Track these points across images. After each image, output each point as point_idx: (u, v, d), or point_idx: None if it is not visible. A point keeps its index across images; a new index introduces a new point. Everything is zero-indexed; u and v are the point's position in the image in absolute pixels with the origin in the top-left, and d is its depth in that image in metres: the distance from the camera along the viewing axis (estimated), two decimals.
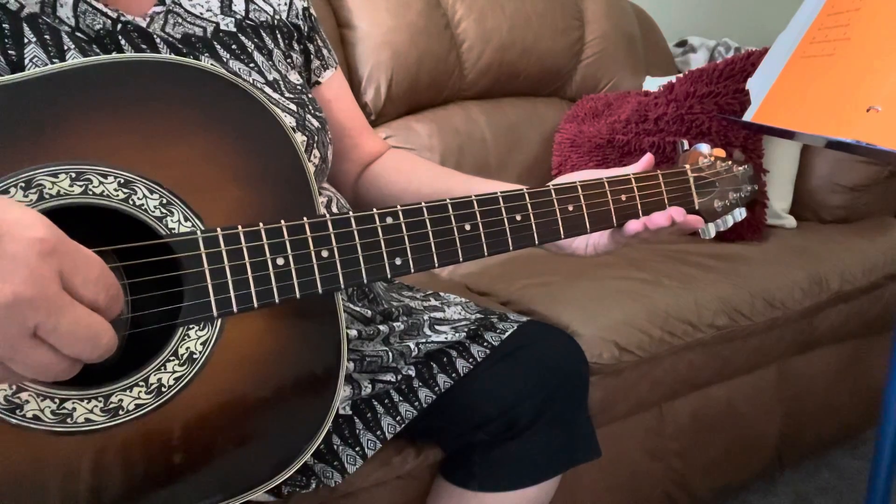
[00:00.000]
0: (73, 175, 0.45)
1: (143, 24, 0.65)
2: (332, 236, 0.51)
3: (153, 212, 0.48)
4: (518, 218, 0.59)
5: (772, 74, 0.88)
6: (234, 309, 0.48)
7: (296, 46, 0.78)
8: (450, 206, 0.56)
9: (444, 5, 1.61)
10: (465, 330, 0.83)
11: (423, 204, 0.55)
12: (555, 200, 0.61)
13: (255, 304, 0.49)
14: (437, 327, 0.84)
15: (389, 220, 0.53)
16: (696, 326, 1.16)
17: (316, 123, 0.72)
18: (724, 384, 1.28)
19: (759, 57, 1.42)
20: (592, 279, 1.21)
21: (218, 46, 0.68)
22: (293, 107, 0.70)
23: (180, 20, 0.67)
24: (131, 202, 0.47)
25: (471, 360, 0.82)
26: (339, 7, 1.54)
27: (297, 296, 0.50)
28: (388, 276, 0.54)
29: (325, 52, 0.83)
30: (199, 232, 0.48)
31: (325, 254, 0.51)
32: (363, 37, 1.52)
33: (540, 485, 0.83)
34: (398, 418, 0.79)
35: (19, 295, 0.36)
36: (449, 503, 0.87)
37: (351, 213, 0.53)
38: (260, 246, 0.49)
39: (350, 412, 0.78)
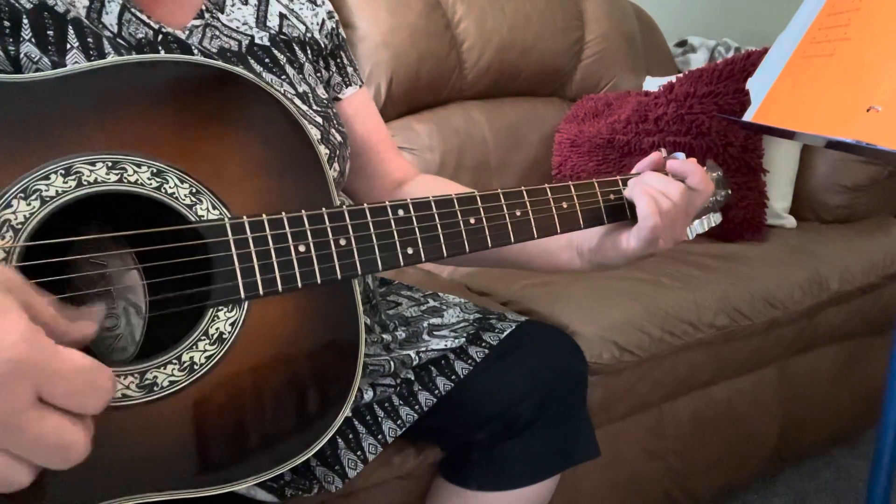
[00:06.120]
0: (110, 164, 0.48)
1: (183, 37, 0.66)
2: (349, 226, 0.55)
3: (183, 200, 0.51)
4: (518, 213, 0.64)
5: (772, 74, 0.88)
6: (261, 292, 0.51)
7: (322, 63, 0.79)
8: (455, 201, 0.61)
9: (444, 5, 1.61)
10: (465, 335, 0.83)
11: (431, 198, 0.59)
12: (550, 199, 0.67)
13: (280, 288, 0.52)
14: (436, 333, 0.84)
15: (401, 212, 0.58)
16: (696, 326, 1.16)
17: (339, 137, 0.74)
18: (724, 384, 1.28)
19: (759, 57, 1.42)
20: (592, 279, 1.21)
21: (251, 60, 0.70)
22: (319, 119, 0.72)
23: (217, 33, 0.69)
24: (163, 191, 0.50)
25: (469, 361, 0.82)
26: (339, 7, 1.54)
27: (318, 281, 0.53)
28: (402, 264, 0.58)
29: (349, 69, 0.84)
30: (226, 219, 0.51)
31: (342, 242, 0.55)
32: (363, 37, 1.52)
33: (539, 484, 0.84)
34: (399, 422, 0.79)
35: None
36: (449, 503, 0.87)
37: (366, 204, 0.56)
38: (283, 234, 0.52)
39: (351, 417, 0.78)
